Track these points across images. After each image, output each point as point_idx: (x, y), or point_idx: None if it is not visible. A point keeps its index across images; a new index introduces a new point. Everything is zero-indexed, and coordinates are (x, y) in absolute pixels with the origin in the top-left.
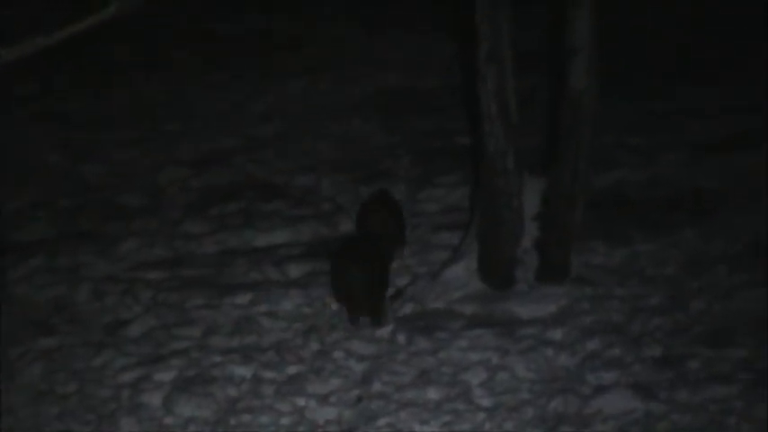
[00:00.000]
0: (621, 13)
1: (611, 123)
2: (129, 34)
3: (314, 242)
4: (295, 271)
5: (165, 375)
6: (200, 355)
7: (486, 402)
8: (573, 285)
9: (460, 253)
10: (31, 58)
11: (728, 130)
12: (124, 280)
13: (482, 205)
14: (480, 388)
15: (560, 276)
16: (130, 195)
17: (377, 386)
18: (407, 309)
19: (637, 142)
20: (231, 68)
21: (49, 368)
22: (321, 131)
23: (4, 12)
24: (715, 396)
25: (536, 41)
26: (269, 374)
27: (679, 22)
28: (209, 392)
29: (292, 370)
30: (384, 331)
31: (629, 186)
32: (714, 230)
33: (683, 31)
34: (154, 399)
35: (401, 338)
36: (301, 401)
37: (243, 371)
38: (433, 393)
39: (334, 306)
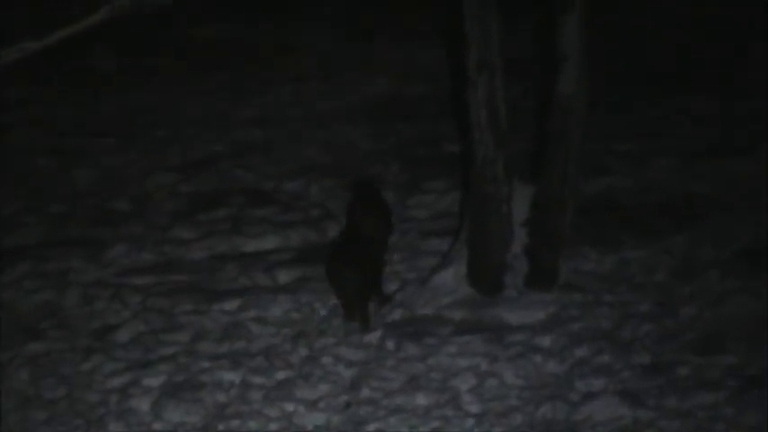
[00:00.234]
0: (613, 17)
1: (602, 129)
2: (116, 40)
3: (303, 248)
4: (284, 277)
5: (154, 380)
6: (188, 361)
7: (474, 408)
8: (562, 291)
9: (450, 259)
10: (18, 63)
11: (719, 135)
12: (113, 285)
13: (471, 211)
14: (469, 394)
15: (549, 282)
16: (119, 201)
17: (365, 392)
18: (396, 315)
19: (627, 148)
20: (219, 74)
21: (37, 373)
22: (310, 137)
23: None
24: (704, 403)
25: (525, 48)
26: (258, 380)
27: (669, 30)
28: (197, 398)
29: (281, 375)
30: (373, 337)
31: (620, 192)
32: (705, 236)
33: (677, 35)
34: (142, 404)
35: (390, 344)
36: (290, 407)
37: (231, 376)
38: (421, 399)
39: (323, 312)
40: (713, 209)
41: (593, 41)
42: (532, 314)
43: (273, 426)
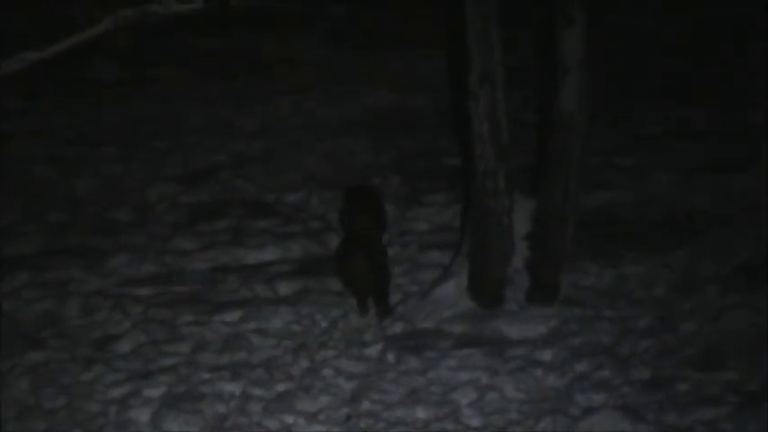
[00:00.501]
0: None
1: (602, 143)
2: (117, 50)
3: (304, 259)
4: (285, 288)
5: (154, 391)
6: (189, 372)
7: (475, 422)
8: (562, 306)
9: (450, 272)
10: (19, 73)
11: (719, 149)
12: (113, 295)
13: (472, 225)
14: (469, 408)
15: (550, 297)
16: (120, 211)
17: (366, 405)
18: (397, 328)
19: (627, 162)
20: (220, 86)
21: (37, 382)
22: (310, 148)
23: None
24: (703, 419)
25: (526, 58)
26: (258, 392)
27: (671, 42)
28: (197, 409)
29: (281, 387)
30: (374, 350)
31: (620, 206)
32: (705, 251)
33: (676, 51)
34: (142, 415)
35: (391, 357)
36: (290, 419)
37: (232, 388)
38: (421, 412)
39: (324, 324)
40: (713, 223)
41: (593, 54)
42: (533, 328)
43: None
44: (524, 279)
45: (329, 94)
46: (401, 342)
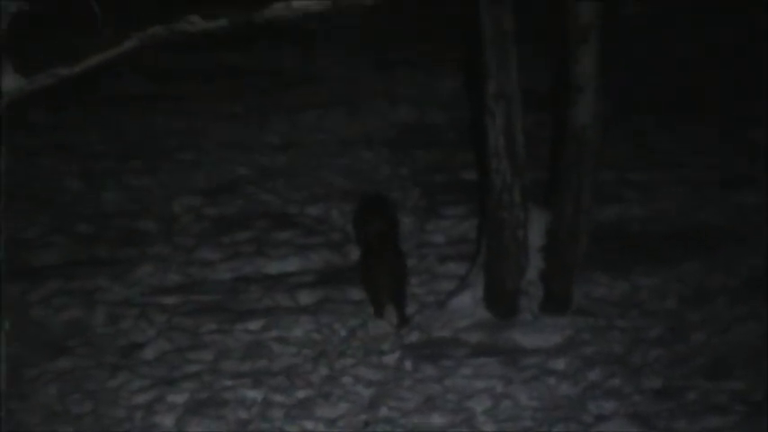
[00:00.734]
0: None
1: (614, 159)
2: (144, 66)
3: (324, 270)
4: (306, 298)
5: (178, 397)
6: (212, 379)
7: (489, 429)
8: (575, 316)
9: (467, 283)
10: (48, 88)
11: (729, 165)
12: (139, 304)
13: (488, 237)
14: (484, 415)
15: (563, 307)
16: (146, 222)
17: (383, 411)
18: (414, 336)
19: (639, 177)
20: (244, 101)
21: (64, 389)
22: (332, 163)
23: (31, 43)
24: (711, 427)
25: (542, 79)
26: (279, 398)
27: (682, 58)
28: (220, 415)
29: (302, 394)
30: (391, 358)
31: (631, 220)
32: (714, 265)
33: (687, 67)
34: (167, 420)
35: (408, 365)
36: (310, 425)
37: (253, 394)
38: (438, 419)
39: (344, 333)
40: (722, 238)
41: (605, 70)
42: (547, 338)
43: None
44: (538, 290)
45: (351, 111)
46: (418, 351)
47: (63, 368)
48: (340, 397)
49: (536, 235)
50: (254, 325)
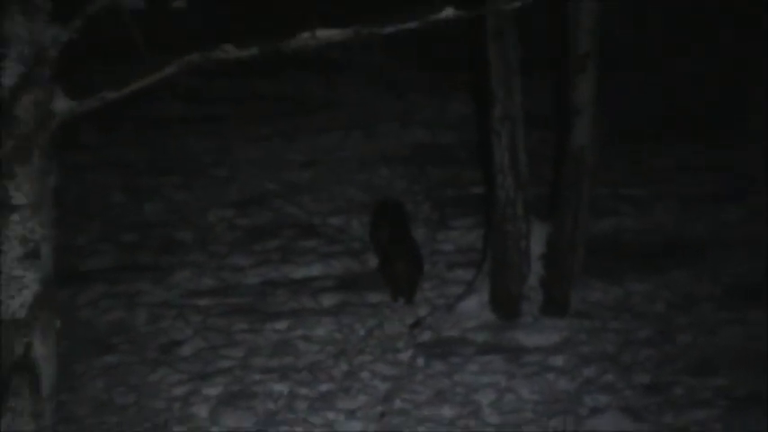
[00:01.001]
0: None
1: (610, 176)
2: (182, 90)
3: (345, 276)
4: (328, 301)
5: (212, 390)
6: (242, 374)
7: (494, 420)
8: (573, 319)
9: (473, 288)
10: (97, 111)
11: (717, 183)
12: (177, 306)
13: (493, 246)
14: (489, 407)
15: (562, 311)
16: (184, 232)
17: (398, 403)
18: (426, 336)
19: (632, 193)
20: (272, 123)
21: (109, 382)
22: (351, 179)
23: (81, 68)
24: (696, 419)
25: (543, 103)
26: (303, 391)
27: (675, 83)
28: (250, 406)
29: (324, 388)
30: (405, 355)
31: (625, 232)
32: (701, 273)
33: (678, 87)
34: (202, 411)
35: (420, 362)
36: (331, 416)
37: (280, 387)
38: (447, 411)
39: (362, 332)
40: (710, 248)
41: (602, 93)
42: (546, 338)
43: None
44: (539, 295)
45: (368, 132)
46: (429, 349)
47: (108, 364)
48: (359, 390)
49: (537, 245)
50: (281, 325)
